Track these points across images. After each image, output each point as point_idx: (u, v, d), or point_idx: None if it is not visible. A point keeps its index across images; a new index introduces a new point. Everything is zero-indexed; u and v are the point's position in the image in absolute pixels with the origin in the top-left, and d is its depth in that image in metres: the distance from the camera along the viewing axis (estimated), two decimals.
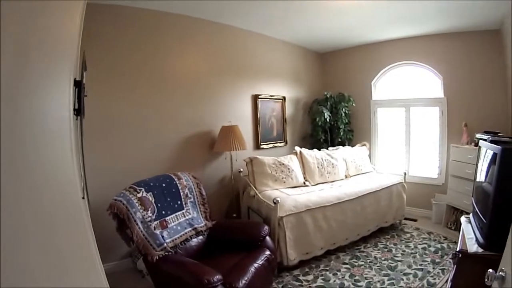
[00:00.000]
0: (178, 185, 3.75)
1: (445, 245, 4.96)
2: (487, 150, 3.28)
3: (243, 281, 2.93)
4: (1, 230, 0.88)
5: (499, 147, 2.79)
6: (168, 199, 3.55)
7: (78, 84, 1.52)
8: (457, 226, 5.35)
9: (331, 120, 6.86)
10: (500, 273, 1.43)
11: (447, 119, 6.11)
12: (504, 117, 5.29)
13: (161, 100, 4.68)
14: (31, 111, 1.04)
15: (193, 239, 3.59)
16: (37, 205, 1.05)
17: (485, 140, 3.52)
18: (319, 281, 3.98)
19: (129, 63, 4.37)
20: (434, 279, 4.01)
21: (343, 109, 6.90)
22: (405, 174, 6.00)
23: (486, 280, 1.48)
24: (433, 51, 6.19)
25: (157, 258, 3.02)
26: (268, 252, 3.52)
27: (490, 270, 1.48)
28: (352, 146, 6.71)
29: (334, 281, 3.99)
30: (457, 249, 2.98)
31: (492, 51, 5.50)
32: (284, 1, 4.43)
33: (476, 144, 4.76)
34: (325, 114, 6.64)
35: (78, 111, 1.57)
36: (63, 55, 1.27)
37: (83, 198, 1.44)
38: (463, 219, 3.64)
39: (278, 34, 6.26)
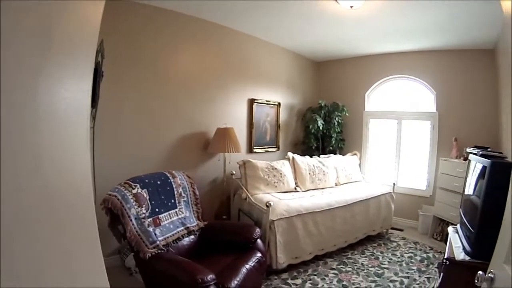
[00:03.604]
0: (173, 183, 3.74)
1: (430, 255, 5.07)
2: (477, 164, 3.38)
3: (235, 282, 2.94)
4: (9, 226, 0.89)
5: (489, 161, 2.89)
6: (162, 197, 3.54)
7: (94, 72, 1.51)
8: (443, 237, 5.46)
9: (324, 128, 6.93)
10: (489, 274, 1.51)
11: (437, 133, 6.27)
12: (494, 133, 5.43)
13: (159, 98, 4.68)
14: (52, 96, 1.05)
15: (185, 238, 3.57)
16: (50, 202, 1.05)
17: (475, 154, 3.61)
18: (308, 285, 4.02)
19: (132, 58, 4.36)
20: (420, 286, 4.10)
21: (336, 118, 6.98)
22: (394, 184, 6.11)
23: (476, 281, 1.56)
24: (428, 67, 6.35)
25: (150, 255, 3.00)
26: (259, 254, 3.54)
27: (480, 272, 1.56)
28: (343, 155, 6.79)
29: (323, 285, 4.04)
30: (444, 257, 3.07)
31: (486, 69, 5.67)
32: (286, 7, 4.50)
33: (466, 158, 4.89)
34: (319, 122, 6.72)
35: (94, 100, 1.56)
36: (85, 41, 1.27)
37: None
38: (450, 229, 3.76)
39: (278, 40, 6.33)
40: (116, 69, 4.11)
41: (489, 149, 3.87)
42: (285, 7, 4.52)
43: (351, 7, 4.27)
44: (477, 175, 3.31)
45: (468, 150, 4.21)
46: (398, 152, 6.86)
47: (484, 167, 3.02)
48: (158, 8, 4.55)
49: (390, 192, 5.95)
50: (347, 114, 7.11)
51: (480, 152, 3.49)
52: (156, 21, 4.59)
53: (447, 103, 6.19)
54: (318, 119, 6.75)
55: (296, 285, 4.02)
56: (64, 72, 1.11)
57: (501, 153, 3.84)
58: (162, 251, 3.14)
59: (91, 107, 1.57)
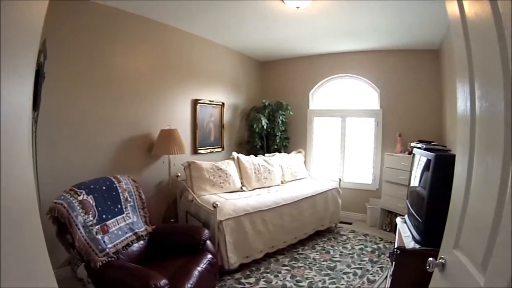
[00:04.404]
0: (118, 188, 3.63)
1: (381, 245, 5.30)
2: (421, 157, 3.56)
3: (189, 285, 2.91)
4: None
5: (433, 154, 3.06)
6: (109, 203, 3.41)
7: (36, 73, 1.44)
8: (392, 228, 5.73)
9: (268, 127, 7.02)
10: (440, 260, 1.60)
11: (382, 129, 6.59)
12: (437, 128, 5.81)
13: (102, 100, 4.47)
14: None
15: (134, 244, 3.48)
16: None
17: (419, 148, 3.79)
18: (262, 283, 4.05)
19: (74, 59, 4.12)
20: (374, 276, 4.27)
21: (280, 117, 7.09)
22: (339, 180, 6.33)
23: (427, 267, 1.64)
24: (372, 66, 6.65)
25: (101, 264, 2.89)
26: (210, 256, 3.52)
27: (431, 258, 1.64)
28: (288, 153, 6.92)
29: (276, 282, 4.08)
30: (395, 247, 3.20)
31: (430, 69, 6.05)
32: (232, 7, 4.50)
33: (410, 153, 5.15)
34: (263, 121, 6.78)
35: (35, 102, 1.49)
36: (27, 40, 1.20)
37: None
38: (398, 220, 3.93)
39: (222, 40, 6.33)
40: (58, 70, 3.87)
41: (433, 143, 4.07)
42: (231, 7, 4.52)
43: (298, 7, 4.33)
44: (422, 168, 3.50)
45: (412, 144, 4.41)
46: (343, 148, 7.12)
47: (428, 160, 3.20)
48: (102, 5, 4.35)
49: (337, 188, 6.15)
50: (291, 113, 7.25)
51: (424, 146, 3.67)
52: (100, 19, 4.38)
53: (391, 100, 6.52)
54: (262, 118, 6.82)
55: (250, 284, 4.04)
56: (3, 73, 1.04)
57: (445, 146, 4.06)
58: (113, 258, 3.04)
59: (33, 110, 1.48)
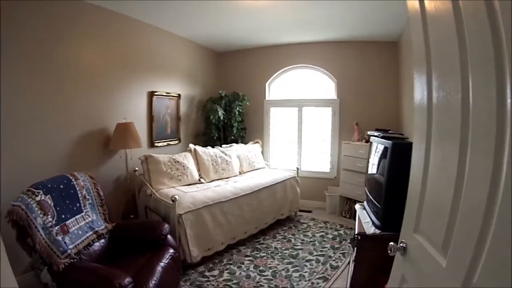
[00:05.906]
0: (76, 186, 3.51)
1: (342, 232, 5.45)
2: (378, 145, 3.65)
3: (153, 282, 2.89)
4: None
5: (390, 142, 3.15)
6: (67, 202, 3.30)
7: None
8: (352, 214, 5.92)
9: (225, 118, 7.00)
10: (401, 244, 1.67)
11: (339, 119, 6.74)
12: (394, 117, 6.04)
13: (55, 94, 4.23)
14: None
15: (95, 243, 3.39)
16: None
17: (376, 136, 3.89)
18: (225, 275, 4.06)
19: (24, 50, 3.86)
20: (336, 262, 4.39)
21: (237, 108, 7.10)
22: (297, 169, 6.46)
23: (389, 252, 1.71)
24: (330, 57, 6.78)
25: (63, 266, 2.80)
26: (172, 251, 3.50)
27: (392, 243, 1.71)
28: (245, 144, 6.96)
29: (240, 273, 4.11)
30: (356, 233, 3.29)
31: (388, 60, 6.26)
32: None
33: (367, 141, 5.29)
34: (219, 112, 6.75)
35: None
36: None
37: None
38: (357, 206, 4.04)
39: (179, 30, 6.22)
40: (6, 62, 3.63)
41: (390, 131, 4.18)
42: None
43: None
44: (379, 155, 3.61)
45: (370, 133, 4.51)
46: (300, 138, 7.24)
47: (386, 148, 3.30)
48: None
49: (295, 176, 6.24)
50: (247, 103, 7.26)
51: (382, 134, 3.77)
52: (51, 9, 4.13)
53: (348, 90, 6.68)
54: (218, 109, 6.78)
55: (214, 276, 4.05)
56: None
57: (402, 134, 4.18)
58: (75, 260, 2.96)
59: None
